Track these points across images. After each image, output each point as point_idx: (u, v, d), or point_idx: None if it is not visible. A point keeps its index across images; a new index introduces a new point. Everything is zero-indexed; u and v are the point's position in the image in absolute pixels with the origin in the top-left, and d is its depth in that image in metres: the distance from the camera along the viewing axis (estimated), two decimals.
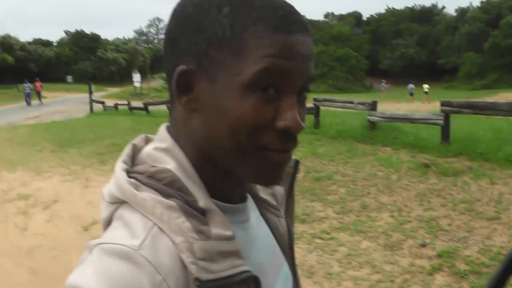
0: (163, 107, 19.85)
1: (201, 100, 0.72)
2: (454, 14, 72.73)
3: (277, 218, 0.92)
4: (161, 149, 0.77)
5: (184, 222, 0.67)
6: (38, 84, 40.75)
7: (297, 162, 0.92)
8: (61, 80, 64.79)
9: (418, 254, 4.98)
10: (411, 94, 40.69)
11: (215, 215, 0.70)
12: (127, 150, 0.80)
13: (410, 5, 76.71)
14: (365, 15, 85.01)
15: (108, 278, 0.61)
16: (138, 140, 0.84)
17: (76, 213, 7.36)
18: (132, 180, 0.71)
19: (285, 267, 0.89)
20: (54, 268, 5.36)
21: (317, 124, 11.78)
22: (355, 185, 7.24)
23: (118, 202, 0.73)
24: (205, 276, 0.64)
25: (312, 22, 77.48)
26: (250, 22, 0.69)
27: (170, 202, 0.68)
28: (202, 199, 0.71)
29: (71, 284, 0.62)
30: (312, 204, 6.64)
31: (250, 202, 0.86)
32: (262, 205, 0.91)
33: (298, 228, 5.78)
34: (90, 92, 27.43)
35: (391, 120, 9.98)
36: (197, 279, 0.64)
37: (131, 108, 21.94)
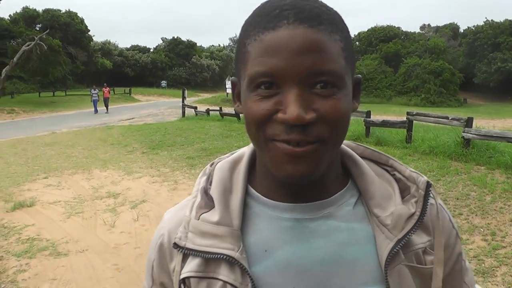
0: None
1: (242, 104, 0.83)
2: None
3: (385, 238, 0.85)
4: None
5: (196, 202, 0.89)
6: (106, 90, 35.11)
7: (428, 184, 0.89)
8: (155, 84, 67.20)
9: None
10: None
11: (216, 202, 0.87)
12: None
13: (510, 18, 73.00)
14: (462, 27, 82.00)
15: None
16: None
17: (162, 214, 7.50)
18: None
19: None
20: (138, 266, 5.48)
21: (409, 139, 11.40)
22: (447, 204, 6.90)
23: None
24: (182, 243, 0.86)
25: (407, 33, 75.71)
26: (250, 28, 0.78)
27: (201, 186, 0.92)
28: (214, 188, 0.90)
29: None
30: None
31: (335, 209, 0.87)
32: (373, 219, 0.88)
33: None
34: (183, 97, 28.11)
35: (487, 138, 9.44)
36: (174, 243, 0.86)
37: (222, 114, 22.08)
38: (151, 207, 7.92)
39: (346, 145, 0.97)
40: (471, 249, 5.46)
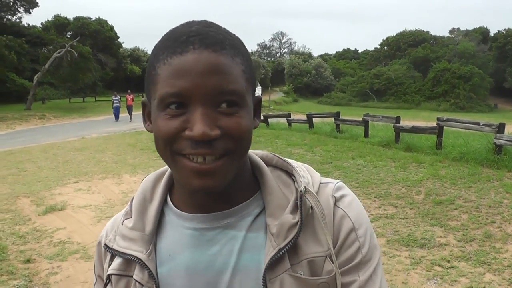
0: (283, 120, 20.30)
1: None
2: None
3: (270, 246, 0.88)
4: None
5: (126, 209, 1.02)
6: (129, 97, 32.75)
7: (300, 193, 0.90)
8: None
9: None
10: None
11: (133, 209, 1.00)
12: None
13: None
14: (492, 31, 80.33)
15: None
16: None
17: None
18: None
19: None
20: None
21: (439, 145, 11.24)
22: (479, 212, 6.78)
23: None
24: (110, 244, 0.99)
25: (436, 38, 74.95)
26: (160, 53, 0.84)
27: (133, 196, 1.03)
28: (135, 197, 1.02)
29: None
30: (433, 228, 6.30)
31: (236, 219, 0.92)
32: (267, 229, 0.91)
33: (417, 253, 5.50)
34: None
35: None
36: (104, 244, 1.00)
37: None
38: None
39: (263, 156, 1.02)
40: (505, 258, 5.35)
